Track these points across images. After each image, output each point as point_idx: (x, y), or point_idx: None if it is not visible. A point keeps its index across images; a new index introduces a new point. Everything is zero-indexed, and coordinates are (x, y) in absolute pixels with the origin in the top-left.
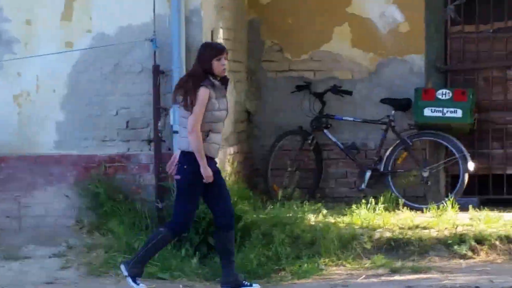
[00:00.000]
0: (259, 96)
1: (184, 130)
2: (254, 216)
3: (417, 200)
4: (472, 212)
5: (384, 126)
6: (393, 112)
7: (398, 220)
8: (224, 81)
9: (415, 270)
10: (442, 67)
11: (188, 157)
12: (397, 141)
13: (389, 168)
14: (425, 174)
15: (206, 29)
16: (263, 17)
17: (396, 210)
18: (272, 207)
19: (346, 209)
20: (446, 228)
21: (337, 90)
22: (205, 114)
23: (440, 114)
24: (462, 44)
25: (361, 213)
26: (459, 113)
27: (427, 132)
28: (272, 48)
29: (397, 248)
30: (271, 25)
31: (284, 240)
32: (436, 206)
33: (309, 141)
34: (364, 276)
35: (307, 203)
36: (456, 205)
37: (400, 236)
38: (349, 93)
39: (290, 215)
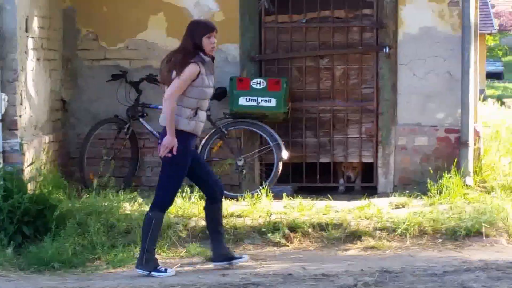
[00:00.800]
0: (74, 85)
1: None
2: (70, 205)
3: (232, 188)
4: (286, 200)
5: None
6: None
7: None
8: (211, 59)
9: None
10: (257, 56)
11: (179, 135)
12: (213, 130)
13: (205, 157)
14: (240, 163)
15: (20, 17)
16: (78, 5)
17: None
18: (87, 196)
19: None
20: (260, 216)
21: (152, 79)
22: (194, 91)
23: (254, 103)
24: (276, 34)
25: (177, 201)
26: (273, 102)
27: (242, 121)
28: (88, 36)
29: None
30: (87, 13)
31: (100, 229)
32: (251, 195)
33: (125, 130)
34: (179, 264)
35: (122, 192)
36: (270, 193)
37: None
38: None
39: (106, 204)
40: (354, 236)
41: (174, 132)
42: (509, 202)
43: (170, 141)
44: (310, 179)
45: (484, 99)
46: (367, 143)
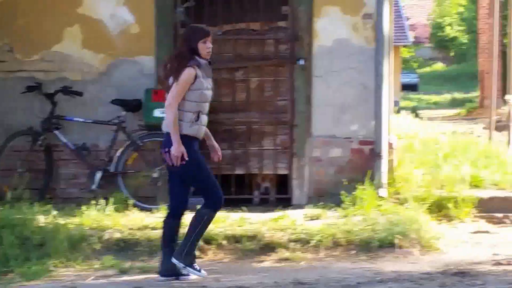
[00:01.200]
0: None
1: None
2: None
3: (148, 200)
4: None
5: (114, 127)
6: (123, 113)
7: (128, 221)
8: (208, 63)
9: (144, 271)
10: None
11: (183, 140)
12: (128, 142)
13: (120, 169)
14: (155, 175)
15: None
16: None
17: (126, 211)
18: (1, 208)
19: (76, 210)
20: None
21: (67, 91)
22: (194, 94)
23: None
24: None
25: (91, 214)
26: None
27: (157, 133)
28: (2, 48)
29: (127, 248)
30: (1, 25)
31: (13, 241)
32: (165, 207)
33: (40, 142)
34: (93, 277)
35: (37, 204)
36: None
37: (130, 237)
38: (80, 94)
39: (20, 216)
40: (269, 248)
41: (179, 139)
42: (421, 213)
43: (177, 148)
44: (225, 190)
45: (399, 110)
46: (282, 155)
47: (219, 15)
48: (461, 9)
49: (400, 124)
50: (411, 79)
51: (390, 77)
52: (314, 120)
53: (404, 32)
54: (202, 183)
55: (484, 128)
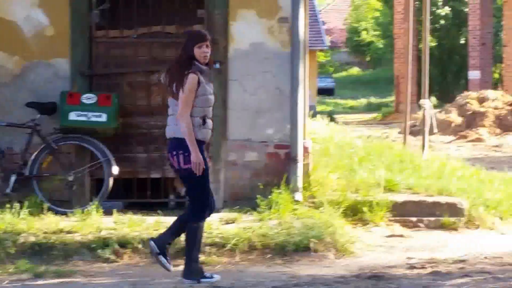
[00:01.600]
0: None
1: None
2: None
3: (63, 204)
4: (116, 216)
5: (29, 130)
6: (38, 116)
7: (43, 225)
8: (208, 67)
9: (59, 275)
10: (87, 71)
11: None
12: (43, 145)
13: (34, 172)
14: (70, 178)
15: None
16: None
17: (41, 215)
18: None
19: None
20: (90, 232)
21: None
22: (199, 100)
23: (85, 118)
24: (107, 49)
25: (6, 217)
26: (103, 117)
27: (72, 136)
28: None
29: (41, 252)
30: None
31: None
32: (81, 210)
33: None
34: (7, 281)
35: None
36: (100, 209)
37: (44, 241)
38: None
39: None
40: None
41: (197, 146)
42: (337, 217)
43: (197, 156)
44: (140, 194)
45: (315, 115)
46: None
47: (135, 18)
48: (377, 14)
49: (316, 128)
50: (327, 83)
51: (306, 81)
52: (230, 124)
53: (321, 37)
54: (200, 188)
55: (399, 132)
